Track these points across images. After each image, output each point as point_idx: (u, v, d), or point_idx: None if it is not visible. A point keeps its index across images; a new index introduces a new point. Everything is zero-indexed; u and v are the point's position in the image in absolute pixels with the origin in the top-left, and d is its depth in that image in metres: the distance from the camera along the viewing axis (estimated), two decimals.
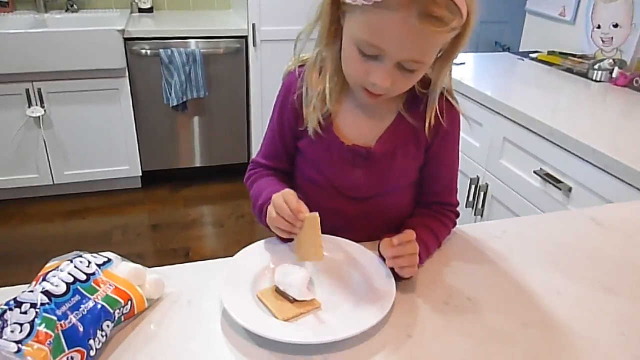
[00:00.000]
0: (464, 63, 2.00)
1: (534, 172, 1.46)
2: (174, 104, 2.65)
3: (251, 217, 2.63)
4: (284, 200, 0.76)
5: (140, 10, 2.95)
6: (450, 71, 0.81)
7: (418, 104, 0.83)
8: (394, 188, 0.90)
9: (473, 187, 1.73)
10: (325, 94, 0.83)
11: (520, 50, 2.39)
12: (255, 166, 0.96)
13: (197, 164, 2.96)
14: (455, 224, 0.92)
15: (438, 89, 0.80)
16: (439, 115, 0.82)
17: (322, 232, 0.75)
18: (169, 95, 2.64)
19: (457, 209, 0.94)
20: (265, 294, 0.73)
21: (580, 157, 1.30)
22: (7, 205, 2.69)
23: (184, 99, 2.66)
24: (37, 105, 2.50)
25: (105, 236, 2.50)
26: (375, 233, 0.84)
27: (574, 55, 2.01)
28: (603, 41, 1.95)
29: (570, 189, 1.35)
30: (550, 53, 2.09)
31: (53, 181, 2.69)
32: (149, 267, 0.74)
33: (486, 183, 1.69)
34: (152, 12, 2.98)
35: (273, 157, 0.95)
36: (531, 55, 2.13)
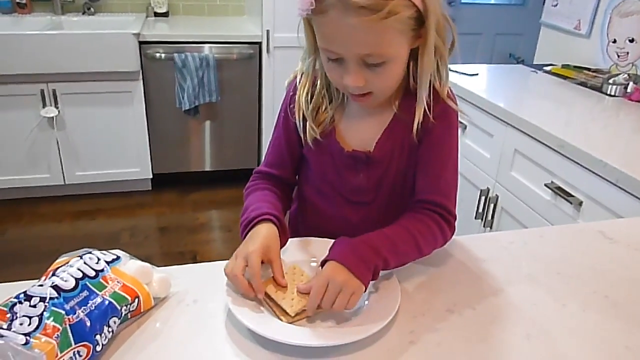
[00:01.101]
0: (477, 74, 1.99)
1: (545, 184, 1.45)
2: (187, 108, 2.67)
3: None
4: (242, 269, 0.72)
5: (156, 14, 2.99)
6: (445, 69, 0.81)
7: (412, 101, 0.83)
8: (397, 190, 0.90)
9: (483, 198, 1.73)
10: (320, 103, 0.86)
11: (534, 62, 2.38)
12: (257, 177, 0.95)
13: (207, 168, 2.97)
14: (445, 227, 0.83)
15: (423, 83, 0.79)
16: (426, 111, 0.80)
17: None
18: (181, 99, 2.67)
19: (456, 221, 0.87)
20: (270, 289, 0.73)
21: (591, 171, 1.29)
22: (19, 205, 2.72)
23: (197, 103, 2.68)
24: (51, 105, 2.53)
25: (114, 237, 2.51)
26: None
27: (588, 69, 2.00)
28: (618, 56, 1.95)
29: (581, 203, 1.34)
30: (564, 66, 2.09)
31: (64, 181, 2.72)
32: None
33: (496, 195, 1.68)
34: (167, 16, 3.02)
35: (277, 165, 0.94)
36: (545, 68, 2.13)
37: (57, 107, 2.54)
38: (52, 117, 2.54)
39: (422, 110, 0.80)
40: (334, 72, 0.77)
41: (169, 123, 2.79)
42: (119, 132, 2.70)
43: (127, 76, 2.57)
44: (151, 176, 2.86)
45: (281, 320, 0.69)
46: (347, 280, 0.69)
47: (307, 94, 0.86)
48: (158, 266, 0.76)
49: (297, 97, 0.87)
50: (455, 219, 0.85)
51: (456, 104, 0.85)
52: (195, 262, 0.80)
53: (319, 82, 0.86)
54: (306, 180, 0.97)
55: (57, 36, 2.46)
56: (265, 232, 0.77)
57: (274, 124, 0.95)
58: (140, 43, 2.54)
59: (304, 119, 0.87)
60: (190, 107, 2.67)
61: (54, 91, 2.51)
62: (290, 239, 0.84)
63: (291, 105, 0.89)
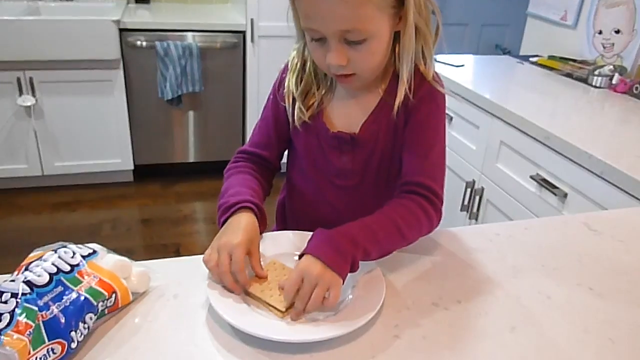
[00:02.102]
0: (463, 65, 1.99)
1: (530, 176, 1.45)
2: (169, 98, 2.62)
3: None
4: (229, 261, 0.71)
5: (137, 1, 2.93)
6: (430, 52, 0.81)
7: (397, 84, 0.83)
8: (382, 175, 0.89)
9: (469, 190, 1.73)
10: (309, 86, 0.87)
11: (520, 53, 2.38)
12: (240, 158, 0.94)
13: (191, 160, 2.93)
14: (430, 211, 0.80)
15: (404, 63, 0.79)
16: (407, 92, 0.80)
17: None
18: (163, 88, 2.62)
19: (443, 207, 0.85)
20: (255, 289, 0.71)
21: (576, 163, 1.30)
22: None
23: (179, 93, 2.63)
24: (28, 94, 2.47)
25: (95, 230, 2.47)
26: None
27: (574, 61, 2.01)
28: (604, 47, 1.95)
29: (566, 195, 1.34)
30: (550, 57, 2.09)
31: (43, 172, 2.66)
32: (139, 261, 0.73)
33: (482, 187, 1.68)
34: (148, 3, 2.95)
35: (263, 145, 0.93)
36: (531, 59, 2.13)
37: (34, 96, 2.48)
38: (30, 106, 2.48)
39: (404, 90, 0.80)
40: (318, 52, 0.77)
41: (151, 113, 2.74)
42: (99, 122, 2.65)
43: (107, 65, 2.52)
44: (132, 167, 2.81)
45: (276, 314, 0.68)
46: (322, 274, 0.67)
47: (297, 77, 0.87)
48: (141, 259, 0.74)
49: (286, 80, 0.88)
50: (442, 202, 0.83)
51: (443, 87, 0.85)
52: (178, 254, 0.78)
53: (308, 65, 0.86)
54: (293, 167, 0.97)
55: (34, 22, 2.40)
56: (245, 222, 0.75)
57: (263, 107, 0.95)
58: (121, 30, 2.49)
59: (294, 102, 0.87)
60: (173, 97, 2.62)
61: (30, 79, 2.45)
62: (273, 232, 0.83)
63: (281, 89, 0.89)
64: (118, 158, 2.75)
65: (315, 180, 0.93)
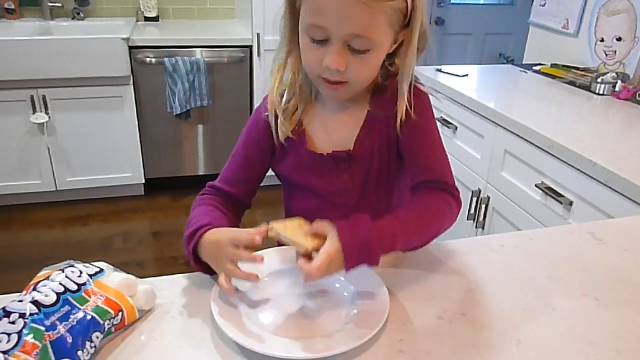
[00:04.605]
0: (467, 75, 1.99)
1: (535, 185, 1.45)
2: (178, 112, 2.66)
3: (252, 227, 2.62)
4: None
5: (146, 18, 2.97)
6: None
7: (383, 93, 0.84)
8: (382, 190, 0.90)
9: (474, 199, 1.72)
10: (289, 100, 0.86)
11: (523, 62, 2.38)
12: (207, 192, 0.92)
13: (200, 173, 2.96)
14: (449, 199, 0.83)
15: (406, 79, 0.80)
16: (407, 107, 0.81)
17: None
18: (172, 103, 2.65)
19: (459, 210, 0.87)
20: (280, 228, 0.72)
21: (581, 171, 1.29)
22: (10, 211, 2.70)
23: (188, 107, 2.67)
24: (41, 111, 2.52)
25: (106, 243, 2.50)
26: None
27: (577, 68, 2.01)
28: (606, 54, 1.95)
29: (571, 203, 1.34)
30: (553, 66, 2.09)
31: (56, 187, 2.70)
32: (149, 275, 0.74)
33: (487, 195, 1.68)
34: (157, 20, 3.00)
35: (231, 182, 0.92)
36: (534, 67, 2.13)
37: (47, 113, 2.53)
38: (43, 123, 2.53)
39: (404, 106, 0.81)
40: (313, 54, 0.76)
41: (160, 127, 2.77)
42: (110, 137, 2.68)
43: (117, 81, 2.56)
44: (143, 181, 2.84)
45: (304, 247, 0.69)
46: (338, 269, 0.69)
47: (278, 90, 0.86)
48: (151, 271, 0.75)
49: (269, 93, 0.87)
50: (459, 191, 0.85)
51: (424, 85, 0.86)
52: (188, 266, 0.79)
53: (291, 76, 0.86)
54: (290, 196, 0.97)
55: (47, 42, 2.45)
56: (216, 235, 0.75)
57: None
58: (130, 48, 2.53)
59: (276, 118, 0.86)
60: (182, 111, 2.66)
61: (43, 97, 2.50)
62: (270, 249, 0.84)
63: (264, 114, 0.89)
64: (129, 172, 2.79)
65: (315, 203, 0.92)
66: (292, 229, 0.72)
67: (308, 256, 0.70)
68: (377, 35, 0.74)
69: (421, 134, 0.85)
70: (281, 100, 0.86)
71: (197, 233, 0.76)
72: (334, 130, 0.88)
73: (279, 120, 0.86)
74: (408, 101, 0.81)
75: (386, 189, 0.90)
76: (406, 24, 0.76)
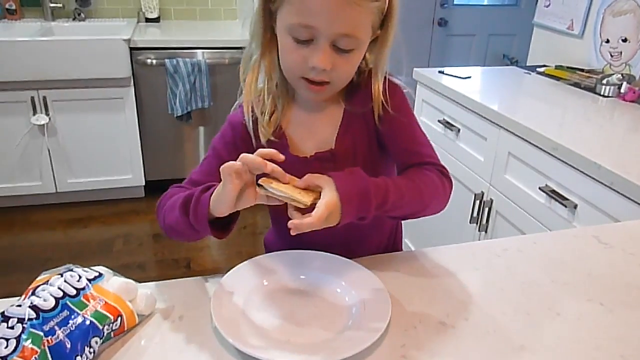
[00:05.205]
0: (470, 77, 1.98)
1: (540, 188, 1.44)
2: (179, 114, 2.65)
3: (253, 229, 2.62)
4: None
5: (148, 20, 2.97)
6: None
7: (356, 91, 0.85)
8: None
9: (478, 202, 1.71)
10: (267, 103, 0.85)
11: (527, 63, 2.37)
12: (173, 188, 0.88)
13: None
14: (440, 175, 0.84)
15: (380, 75, 0.82)
16: (383, 102, 0.83)
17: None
18: (173, 105, 2.65)
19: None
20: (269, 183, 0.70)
21: (585, 174, 1.28)
22: (10, 213, 2.70)
23: (189, 109, 2.66)
24: (42, 113, 2.51)
25: (107, 245, 2.49)
26: (359, 246, 0.86)
27: (582, 70, 1.99)
28: (612, 55, 1.94)
29: (576, 206, 1.33)
30: (558, 67, 2.08)
31: (56, 189, 2.69)
32: (149, 276, 0.73)
33: (490, 198, 1.67)
34: (158, 21, 3.00)
35: (198, 183, 0.82)
36: (538, 69, 2.12)
37: (47, 115, 2.52)
38: (43, 125, 2.52)
39: (380, 99, 0.83)
40: (297, 54, 0.75)
41: (161, 129, 2.77)
42: (111, 139, 2.68)
43: (118, 82, 2.56)
44: (144, 183, 2.84)
45: (302, 202, 0.68)
46: (334, 220, 0.70)
47: (254, 93, 0.85)
48: (152, 273, 0.75)
49: (244, 99, 0.85)
50: (449, 172, 0.86)
51: (395, 77, 0.87)
52: (189, 269, 0.78)
53: (266, 81, 0.85)
54: (276, 212, 0.94)
55: (48, 42, 2.45)
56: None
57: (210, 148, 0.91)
58: (131, 49, 2.52)
59: (254, 123, 0.85)
60: (183, 113, 2.65)
61: (44, 98, 2.49)
62: (269, 254, 0.83)
63: (243, 119, 0.87)
64: (129, 174, 2.78)
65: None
66: (284, 186, 0.70)
67: (301, 210, 0.69)
68: (363, 35, 0.76)
69: (402, 124, 0.86)
70: (259, 103, 0.85)
71: (202, 195, 0.74)
72: (314, 131, 0.88)
73: (259, 124, 0.85)
74: (383, 95, 0.82)
75: None
76: (381, 23, 0.78)
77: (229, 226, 0.78)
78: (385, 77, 0.83)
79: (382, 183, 0.75)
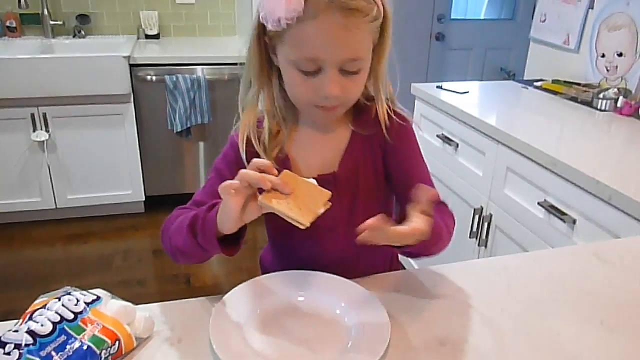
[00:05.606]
0: (467, 92, 1.99)
1: (538, 203, 1.44)
2: (178, 130, 2.66)
3: (253, 244, 2.60)
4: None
5: (147, 36, 3.00)
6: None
7: (366, 113, 0.86)
8: (369, 209, 0.88)
9: (477, 217, 1.71)
10: (267, 128, 0.85)
11: (524, 78, 2.39)
12: (178, 209, 0.88)
13: None
14: (452, 216, 0.88)
15: (382, 88, 0.83)
16: (387, 123, 0.84)
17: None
18: (173, 120, 2.66)
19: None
20: (269, 200, 0.69)
21: (584, 189, 1.28)
22: (10, 229, 2.69)
23: (188, 125, 2.67)
24: (41, 129, 2.52)
25: (107, 261, 2.48)
26: (357, 266, 0.85)
27: (578, 84, 2.00)
28: (608, 70, 1.95)
29: (574, 221, 1.33)
30: (554, 81, 2.09)
31: (56, 205, 2.69)
32: (149, 292, 0.73)
33: (490, 213, 1.66)
34: (158, 38, 3.02)
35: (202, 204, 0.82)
36: (535, 83, 2.13)
37: (47, 131, 2.53)
38: (43, 141, 2.53)
39: (385, 111, 0.84)
40: (306, 86, 0.76)
41: (161, 145, 2.77)
42: (111, 155, 2.69)
43: (118, 99, 2.57)
44: (143, 198, 2.84)
45: (300, 223, 0.68)
46: (410, 242, 0.69)
47: (254, 127, 0.85)
48: (152, 289, 0.74)
49: (240, 133, 0.85)
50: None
51: (403, 110, 0.88)
52: (188, 284, 0.78)
53: (266, 117, 0.85)
54: (275, 230, 0.95)
55: (48, 60, 2.46)
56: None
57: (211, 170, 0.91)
58: (131, 65, 2.54)
59: (249, 153, 0.84)
60: (182, 128, 2.66)
61: (44, 115, 2.50)
62: (269, 275, 0.83)
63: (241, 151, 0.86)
64: (129, 189, 2.78)
65: (302, 230, 0.90)
66: (284, 202, 0.70)
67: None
68: (367, 54, 0.77)
69: (412, 158, 0.88)
70: (258, 133, 0.85)
71: (209, 212, 0.74)
72: (318, 153, 0.88)
73: (259, 153, 0.84)
74: (392, 123, 0.84)
75: (375, 210, 0.89)
76: (378, 37, 0.78)
77: (238, 242, 0.78)
78: (394, 105, 0.84)
79: (440, 229, 0.77)
